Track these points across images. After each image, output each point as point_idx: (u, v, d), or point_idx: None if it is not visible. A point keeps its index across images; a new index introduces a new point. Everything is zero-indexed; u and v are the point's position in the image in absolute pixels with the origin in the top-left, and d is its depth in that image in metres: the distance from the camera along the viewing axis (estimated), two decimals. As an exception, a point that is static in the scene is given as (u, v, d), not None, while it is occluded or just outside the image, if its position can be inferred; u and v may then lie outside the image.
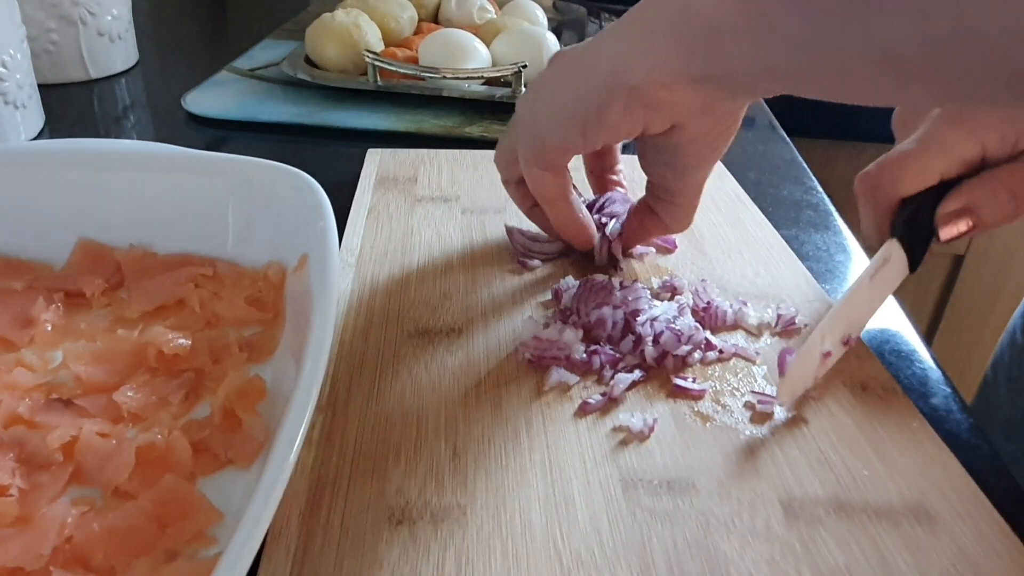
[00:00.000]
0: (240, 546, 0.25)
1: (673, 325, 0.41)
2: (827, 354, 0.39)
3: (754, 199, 0.59)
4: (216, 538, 0.31)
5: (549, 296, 0.46)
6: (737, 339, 0.43)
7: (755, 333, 0.44)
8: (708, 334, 0.42)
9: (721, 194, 0.59)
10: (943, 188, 0.39)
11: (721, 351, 0.42)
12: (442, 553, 0.30)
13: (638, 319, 0.42)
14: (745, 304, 0.45)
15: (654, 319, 0.42)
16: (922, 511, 0.33)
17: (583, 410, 0.37)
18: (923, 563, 0.31)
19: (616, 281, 0.45)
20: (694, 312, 0.44)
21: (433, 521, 0.31)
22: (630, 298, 0.43)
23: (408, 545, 0.30)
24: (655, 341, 0.41)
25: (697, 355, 0.41)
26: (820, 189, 0.67)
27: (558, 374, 0.39)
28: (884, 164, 0.40)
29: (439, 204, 0.56)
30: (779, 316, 0.44)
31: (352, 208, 0.54)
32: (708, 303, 0.45)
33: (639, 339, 0.41)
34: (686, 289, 0.47)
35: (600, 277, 0.45)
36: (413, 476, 0.33)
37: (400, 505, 0.32)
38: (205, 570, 0.27)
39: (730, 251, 0.52)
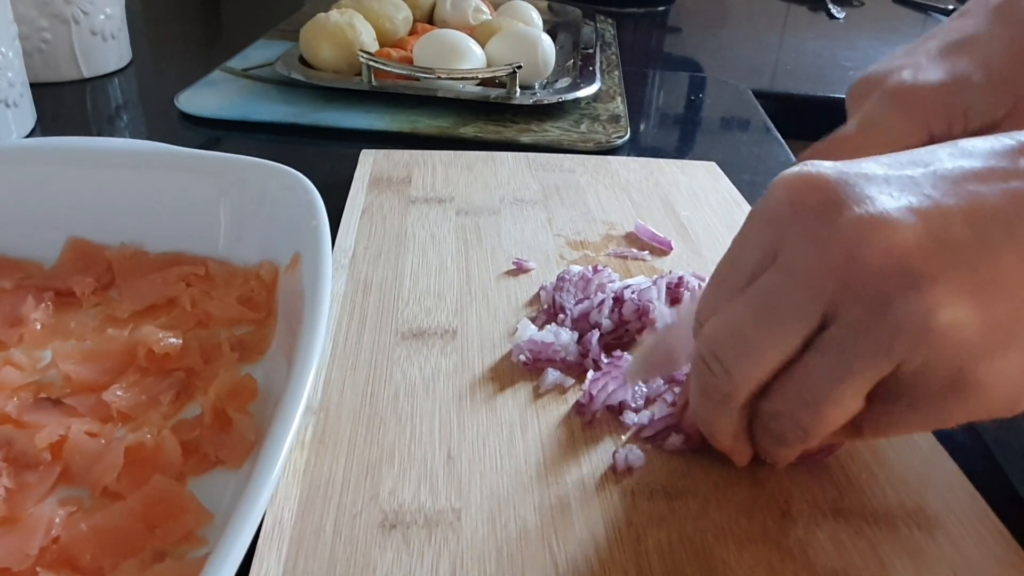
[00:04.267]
0: (229, 547, 0.24)
1: (634, 296, 0.42)
2: None
3: (749, 201, 0.59)
4: (206, 539, 0.30)
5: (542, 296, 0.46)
6: None
7: None
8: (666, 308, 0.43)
9: (716, 196, 0.59)
10: None
11: None
12: (436, 558, 0.30)
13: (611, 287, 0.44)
14: None
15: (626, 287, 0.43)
16: (920, 515, 0.33)
17: (578, 412, 0.37)
18: (922, 568, 0.30)
19: (589, 269, 0.45)
20: (669, 288, 0.44)
21: (427, 525, 0.31)
22: (605, 282, 0.44)
23: (401, 550, 0.30)
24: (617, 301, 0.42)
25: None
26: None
27: (553, 376, 0.39)
28: (817, 149, 0.36)
29: (433, 205, 0.56)
30: None
31: (346, 209, 0.54)
32: (680, 278, 0.44)
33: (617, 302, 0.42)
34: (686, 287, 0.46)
35: (575, 269, 0.45)
36: (407, 479, 0.33)
37: (394, 509, 0.32)
38: (194, 571, 0.26)
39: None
